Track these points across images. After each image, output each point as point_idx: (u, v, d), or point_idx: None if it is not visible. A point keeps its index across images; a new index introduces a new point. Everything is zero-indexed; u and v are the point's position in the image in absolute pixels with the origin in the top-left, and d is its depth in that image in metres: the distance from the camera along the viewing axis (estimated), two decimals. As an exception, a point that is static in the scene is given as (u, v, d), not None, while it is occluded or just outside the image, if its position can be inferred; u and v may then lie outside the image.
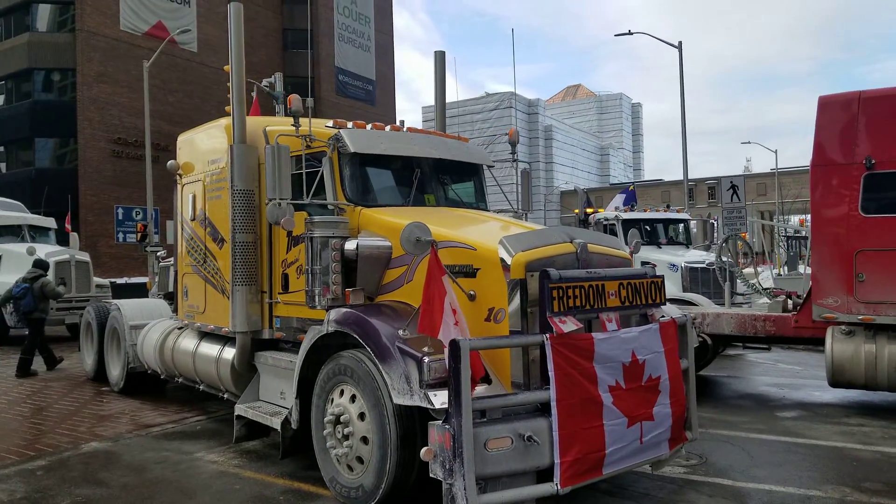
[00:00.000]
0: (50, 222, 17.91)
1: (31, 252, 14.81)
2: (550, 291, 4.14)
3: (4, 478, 5.75)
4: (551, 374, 3.98)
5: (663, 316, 4.92)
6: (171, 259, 14.42)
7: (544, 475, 4.05)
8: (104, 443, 6.80)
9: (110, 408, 8.38)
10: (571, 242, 4.67)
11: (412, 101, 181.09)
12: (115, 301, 9.80)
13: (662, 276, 4.98)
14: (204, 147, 7.53)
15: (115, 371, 9.34)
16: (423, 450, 3.97)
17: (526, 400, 4.12)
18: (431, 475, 3.96)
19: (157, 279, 14.72)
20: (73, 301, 14.86)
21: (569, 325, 4.08)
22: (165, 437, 7.00)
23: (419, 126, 8.57)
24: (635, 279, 4.69)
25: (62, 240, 18.28)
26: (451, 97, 8.29)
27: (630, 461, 4.39)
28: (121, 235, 23.74)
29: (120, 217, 23.76)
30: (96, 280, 15.98)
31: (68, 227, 19.99)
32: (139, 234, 21.70)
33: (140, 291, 16.91)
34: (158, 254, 16.32)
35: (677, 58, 23.90)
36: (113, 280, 18.28)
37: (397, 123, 6.82)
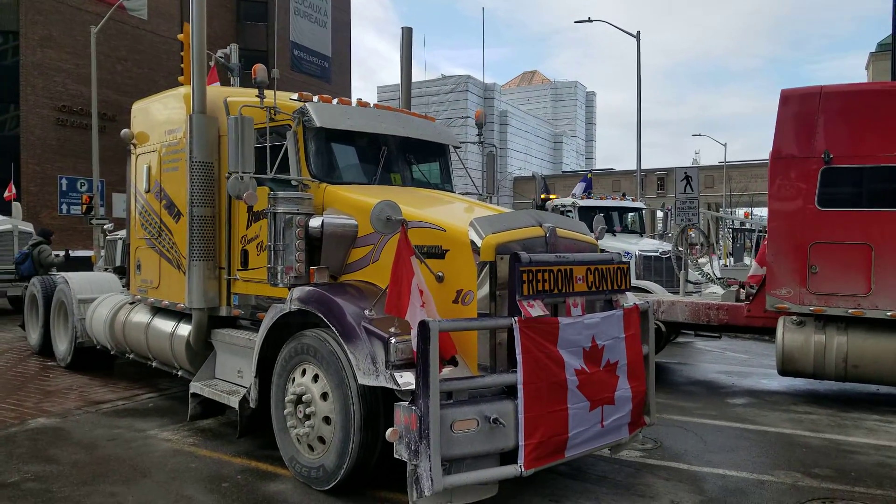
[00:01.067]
0: (-11, 192, 17.16)
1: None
2: (521, 275, 4.14)
3: (-55, 454, 5.51)
4: (519, 357, 3.99)
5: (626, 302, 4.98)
6: (119, 233, 14.03)
7: (508, 457, 4.07)
8: (52, 419, 6.58)
9: (57, 383, 8.10)
10: (541, 226, 4.67)
11: (367, 80, 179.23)
12: (63, 274, 9.44)
13: (628, 263, 5.03)
14: (161, 117, 7.27)
15: (62, 346, 9.02)
16: (389, 431, 3.93)
17: (494, 382, 4.12)
18: (396, 456, 3.92)
19: (103, 252, 14.27)
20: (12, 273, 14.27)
21: (536, 309, 4.09)
22: (116, 414, 6.80)
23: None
24: (602, 265, 4.73)
25: (5, 209, 17.53)
26: (416, 76, 8.19)
27: (591, 444, 4.45)
28: (65, 207, 22.88)
29: (64, 188, 22.90)
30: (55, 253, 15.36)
31: (11, 194, 19.14)
32: (84, 207, 20.98)
33: (85, 265, 16.36)
34: (105, 227, 15.80)
35: (632, 49, 24.26)
36: (57, 253, 17.59)
37: (354, 102, 6.69)
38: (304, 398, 4.88)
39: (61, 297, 9.03)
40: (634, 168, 27.12)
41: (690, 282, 11.33)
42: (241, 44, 11.83)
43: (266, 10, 44.86)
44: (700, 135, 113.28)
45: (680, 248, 10.61)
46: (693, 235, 10.88)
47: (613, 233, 13.04)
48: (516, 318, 4.04)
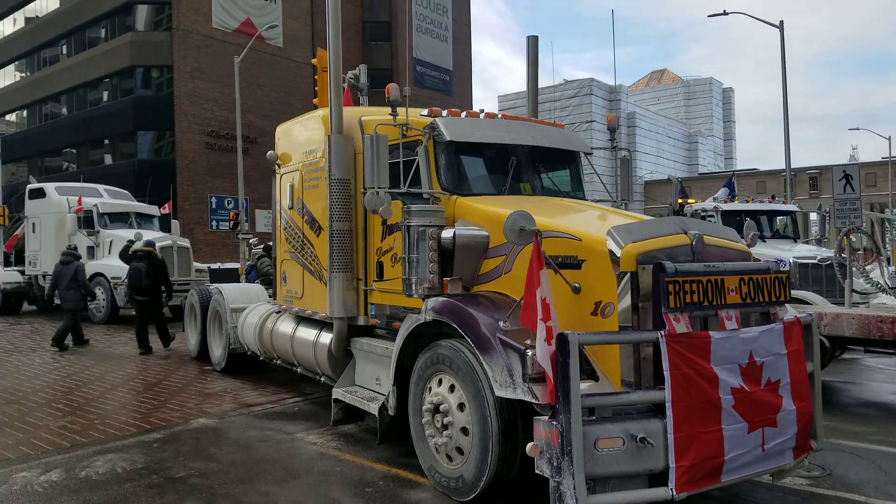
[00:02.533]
0: (154, 210, 18.91)
1: (137, 238, 15.65)
2: (666, 286, 3.95)
3: (125, 448, 6.13)
4: (667, 373, 3.81)
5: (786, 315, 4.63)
6: (261, 246, 14.98)
7: (658, 479, 3.89)
8: (211, 419, 7.12)
9: (214, 386, 8.77)
10: (686, 234, 4.44)
11: (487, 90, 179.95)
12: (217, 285, 10.22)
13: (788, 272, 4.69)
14: (301, 138, 7.69)
15: (217, 351, 9.77)
16: (529, 445, 3.90)
17: (639, 399, 3.97)
18: (537, 471, 3.89)
19: (248, 265, 15.25)
20: (174, 284, 15.60)
21: (682, 325, 3.90)
22: (267, 416, 7.25)
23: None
24: (758, 274, 4.40)
25: (165, 227, 19.23)
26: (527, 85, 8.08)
27: (750, 469, 4.13)
28: (214, 223, 24.69)
29: (213, 206, 24.72)
30: (195, 265, 16.73)
31: (164, 209, 20.90)
32: (231, 222, 22.56)
33: (233, 276, 17.63)
34: (250, 241, 16.91)
35: (774, 38, 22.71)
36: (209, 265, 19.09)
37: (480, 110, 6.74)
38: (440, 408, 4.96)
39: (216, 307, 9.77)
40: (782, 167, 25.40)
41: (857, 291, 10.35)
42: (367, 63, 12.32)
43: (390, 29, 46.38)
44: (858, 129, 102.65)
45: (843, 255, 9.73)
46: (856, 240, 9.95)
47: (763, 238, 12.26)
48: (662, 332, 3.87)
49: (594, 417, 3.87)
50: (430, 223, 5.38)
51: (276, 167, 8.22)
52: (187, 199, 34.62)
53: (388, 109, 5.86)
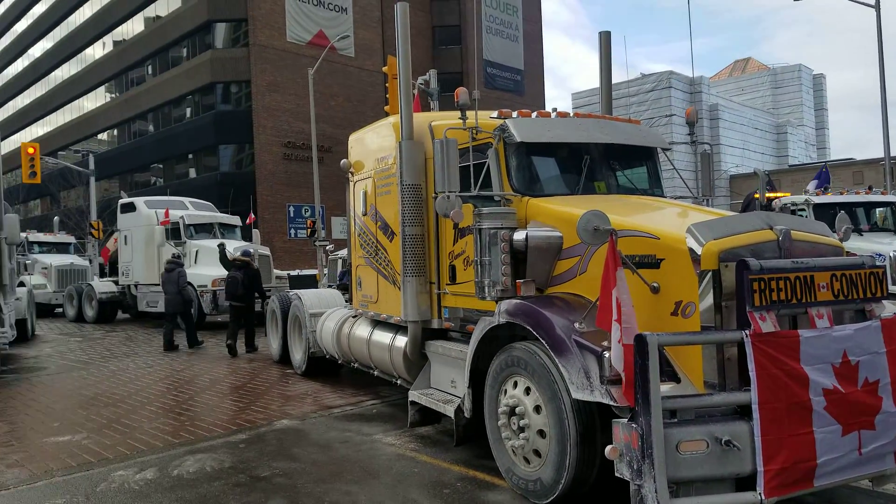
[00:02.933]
0: (236, 220, 19.63)
1: (221, 247, 16.30)
2: (751, 283, 3.81)
3: (214, 448, 6.39)
4: (752, 374, 3.67)
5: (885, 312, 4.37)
6: (339, 252, 15.32)
7: (745, 484, 3.76)
8: (293, 421, 7.33)
9: (295, 389, 9.02)
10: (771, 229, 4.26)
11: (560, 88, 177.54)
12: (296, 291, 10.52)
13: (884, 267, 4.44)
14: (373, 145, 7.83)
15: (297, 355, 10.06)
16: (608, 448, 3.84)
17: (723, 401, 3.83)
18: (617, 474, 3.82)
19: (326, 271, 15.62)
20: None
21: (768, 323, 3.75)
22: (346, 418, 7.41)
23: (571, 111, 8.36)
24: (851, 269, 4.18)
25: (246, 236, 19.94)
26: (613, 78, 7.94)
27: (846, 474, 3.92)
28: (292, 231, 25.46)
29: (291, 214, 25.49)
30: (276, 272, 17.27)
31: (251, 220, 21.68)
32: (308, 230, 23.19)
33: (311, 282, 18.10)
34: (327, 248, 17.32)
35: (869, 19, 21.51)
36: (289, 272, 19.66)
37: (551, 110, 6.68)
38: (516, 410, 4.94)
39: (296, 312, 10.06)
40: (880, 156, 23.96)
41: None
42: (437, 68, 12.44)
43: (460, 32, 46.60)
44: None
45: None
46: None
47: (859, 232, 11.62)
48: (747, 332, 3.73)
49: (676, 420, 3.77)
50: (501, 225, 5.38)
51: (350, 175, 8.39)
52: (267, 209, 35.80)
53: (459, 114, 5.88)
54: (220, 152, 39.31)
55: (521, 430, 4.88)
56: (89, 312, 20.09)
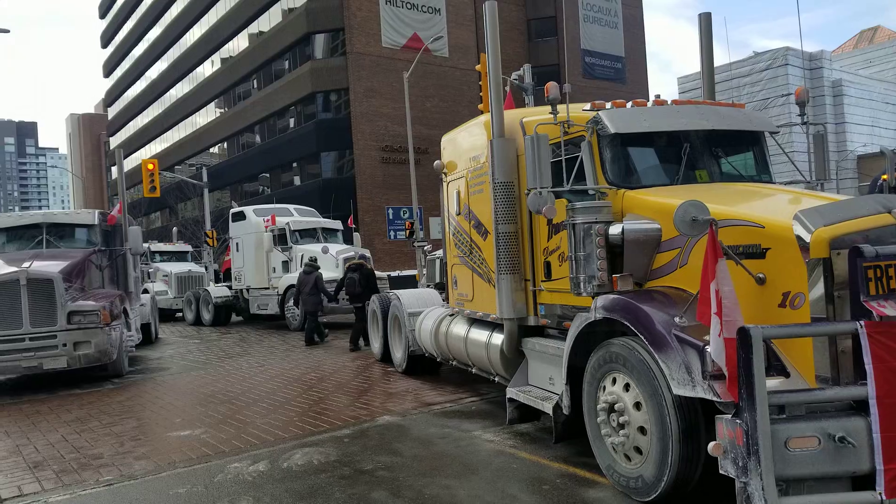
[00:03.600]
0: (337, 224, 20.31)
1: (325, 251, 16.92)
2: (865, 271, 3.57)
3: (320, 443, 6.64)
4: (869, 367, 3.44)
5: None
6: (437, 252, 15.52)
7: (863, 482, 3.54)
8: (395, 417, 7.51)
9: (396, 386, 9.24)
10: (890, 213, 3.97)
11: (665, 73, 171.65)
12: (395, 291, 10.76)
13: None
14: (465, 145, 7.89)
15: (398, 354, 10.29)
16: (711, 445, 3.71)
17: (836, 396, 3.62)
18: (722, 472, 3.68)
19: (425, 271, 15.86)
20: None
21: (890, 310, 3.50)
22: (445, 415, 7.51)
23: (675, 97, 8.06)
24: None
25: (347, 239, 20.58)
26: (717, 60, 7.68)
27: None
28: (392, 233, 25.99)
29: (390, 217, 26.04)
30: (378, 273, 17.70)
31: (350, 223, 22.36)
32: (407, 232, 23.62)
33: (411, 282, 18.41)
34: (425, 248, 17.59)
35: None
36: (389, 273, 20.12)
37: (652, 98, 6.50)
38: (616, 407, 4.85)
39: (395, 312, 10.30)
40: None
41: None
42: (533, 62, 12.42)
43: (556, 24, 46.02)
44: None
45: None
46: None
47: None
48: (862, 323, 3.51)
49: (784, 416, 3.59)
50: (596, 219, 5.29)
51: (443, 175, 8.50)
52: (367, 212, 36.80)
53: (550, 108, 5.84)
54: (322, 159, 40.75)
55: (621, 426, 4.79)
56: (206, 316, 21.35)
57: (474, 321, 7.75)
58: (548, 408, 5.83)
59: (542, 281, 6.39)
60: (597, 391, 5.11)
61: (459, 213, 7.92)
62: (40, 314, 10.35)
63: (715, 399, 3.89)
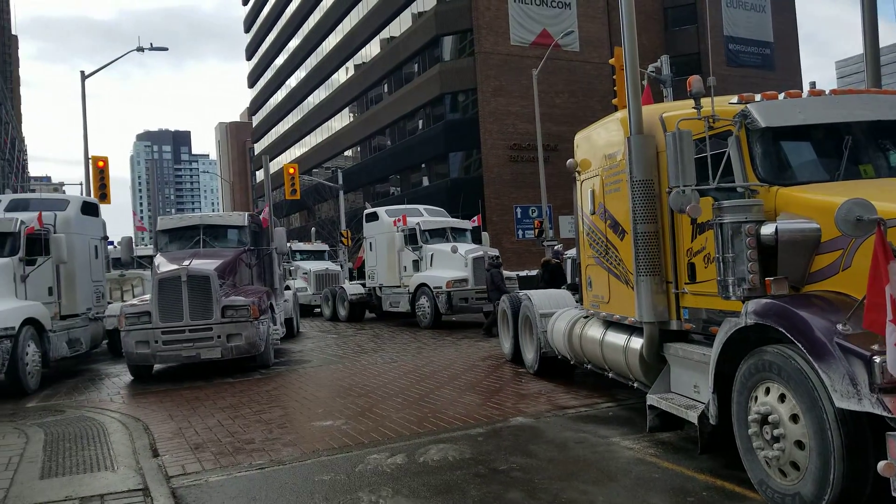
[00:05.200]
0: (466, 224, 20.55)
1: (454, 250, 17.18)
2: None
3: (454, 440, 6.74)
4: None
5: None
6: (568, 252, 15.35)
7: None
8: (528, 419, 7.47)
9: (528, 388, 9.19)
10: None
11: (820, 56, 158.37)
12: (526, 292, 10.72)
13: None
14: (600, 142, 7.72)
15: (529, 355, 10.24)
16: (882, 464, 3.41)
17: None
18: (894, 494, 3.36)
19: (556, 271, 15.65)
20: (486, 292, 16.78)
21: None
22: (580, 419, 7.38)
23: (833, 85, 7.46)
24: None
25: (476, 238, 20.77)
26: (883, 40, 6.97)
27: None
28: (520, 232, 25.97)
29: (518, 216, 26.03)
30: (506, 273, 17.75)
31: (475, 222, 22.45)
32: (536, 230, 23.47)
33: (534, 283, 18.29)
34: (555, 247, 17.41)
35: None
36: (517, 272, 20.11)
37: (806, 86, 6.04)
38: (769, 419, 4.55)
39: (526, 313, 10.26)
40: None
41: None
42: (670, 52, 11.93)
43: (695, 11, 44.06)
44: None
45: None
46: None
47: None
48: None
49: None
50: (746, 218, 5.00)
51: (577, 174, 8.36)
52: (495, 212, 36.96)
53: (692, 102, 5.60)
54: (450, 159, 41.39)
55: (776, 440, 4.49)
56: (342, 312, 22.32)
57: (611, 324, 7.56)
58: (693, 417, 5.57)
59: (685, 283, 6.13)
60: (748, 401, 4.83)
61: (594, 213, 7.76)
62: (198, 308, 11.25)
63: (885, 414, 3.57)
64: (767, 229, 4.90)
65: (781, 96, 5.66)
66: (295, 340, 16.97)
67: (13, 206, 12.86)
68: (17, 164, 33.84)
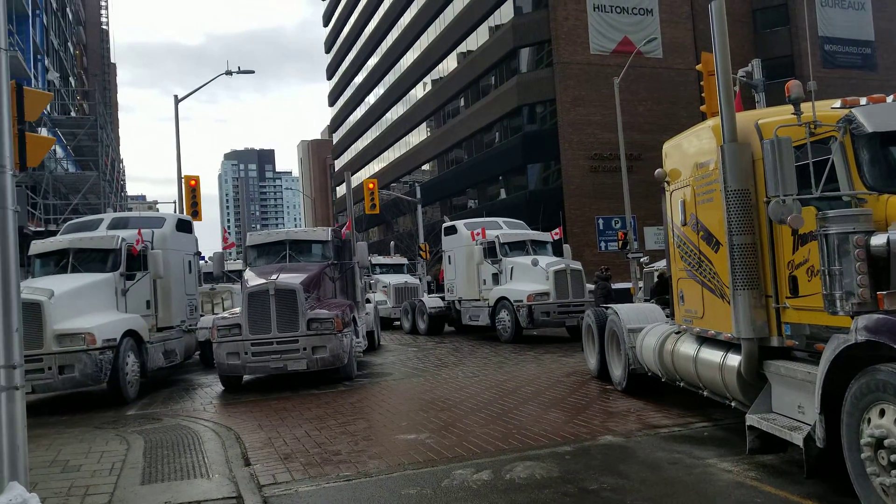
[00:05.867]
0: (546, 236, 20.29)
1: (534, 263, 17.00)
2: None
3: (540, 457, 6.62)
4: None
5: None
6: (656, 264, 14.91)
7: None
8: (617, 437, 7.26)
9: (616, 406, 8.94)
10: None
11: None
12: (612, 306, 10.45)
13: None
14: (691, 151, 7.47)
15: (616, 371, 9.96)
16: None
17: None
18: None
19: (641, 284, 15.29)
20: (570, 306, 16.52)
21: None
22: (673, 439, 7.11)
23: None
24: None
25: (557, 251, 20.48)
26: None
27: None
28: (602, 244, 25.48)
29: (601, 227, 25.55)
30: (588, 286, 17.42)
31: (555, 234, 22.16)
32: (620, 242, 22.95)
33: (624, 296, 17.85)
34: (641, 260, 16.99)
35: None
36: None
37: None
38: (885, 443, 4.25)
39: (612, 327, 9.99)
40: None
41: None
42: (760, 55, 11.49)
43: (787, 12, 42.37)
44: None
45: None
46: None
47: None
48: None
49: None
50: (853, 228, 4.72)
51: (666, 184, 8.12)
52: (575, 223, 36.45)
53: (789, 107, 5.36)
54: (528, 171, 41.17)
55: (893, 466, 4.18)
56: (421, 325, 22.45)
57: (704, 340, 7.26)
58: (797, 439, 5.26)
59: (786, 297, 5.83)
60: (859, 423, 4.52)
61: (685, 224, 7.50)
62: (285, 321, 11.55)
63: None
64: (878, 240, 4.61)
65: (889, 99, 5.34)
66: (376, 353, 17.18)
67: (114, 225, 13.62)
68: (117, 184, 35.97)
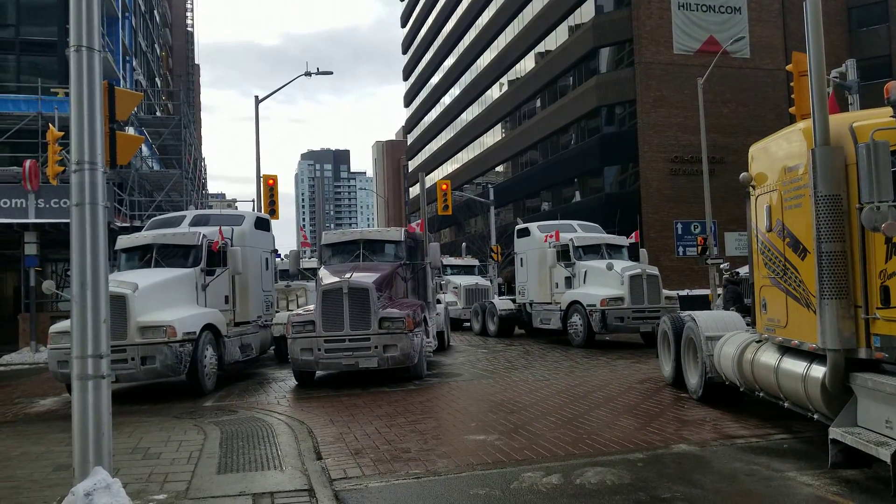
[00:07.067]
0: (622, 240, 19.87)
1: (609, 268, 16.70)
2: None
3: (612, 463, 6.50)
4: None
5: None
6: (738, 270, 14.41)
7: None
8: (691, 447, 7.06)
9: (691, 414, 8.69)
10: None
11: None
12: (690, 312, 10.14)
13: None
14: (780, 154, 7.19)
15: (692, 379, 9.67)
16: None
17: None
18: None
19: (720, 291, 14.79)
20: (645, 311, 16.15)
21: None
22: (750, 450, 6.86)
23: None
24: None
25: (633, 255, 20.04)
26: None
27: None
28: (681, 249, 24.81)
29: (679, 232, 24.88)
30: (665, 292, 16.98)
31: (633, 238, 21.65)
32: (699, 248, 22.27)
33: (702, 303, 17.31)
34: (721, 266, 16.44)
35: None
36: (678, 292, 19.15)
37: None
38: None
39: (689, 334, 9.70)
40: None
41: None
42: (855, 55, 10.90)
43: (885, 9, 40.14)
44: None
45: None
46: None
47: None
48: None
49: None
50: (955, 238, 4.43)
51: (751, 188, 7.84)
52: (652, 227, 35.60)
53: (887, 110, 5.09)
54: (605, 174, 40.48)
55: None
56: (491, 327, 22.43)
57: (787, 350, 6.97)
58: (885, 455, 4.99)
59: (877, 308, 5.54)
60: (957, 444, 4.23)
61: (770, 230, 7.22)
62: (357, 319, 11.76)
63: None
64: None
65: None
66: (446, 353, 17.26)
67: (196, 221, 14.20)
68: (199, 182, 37.50)
